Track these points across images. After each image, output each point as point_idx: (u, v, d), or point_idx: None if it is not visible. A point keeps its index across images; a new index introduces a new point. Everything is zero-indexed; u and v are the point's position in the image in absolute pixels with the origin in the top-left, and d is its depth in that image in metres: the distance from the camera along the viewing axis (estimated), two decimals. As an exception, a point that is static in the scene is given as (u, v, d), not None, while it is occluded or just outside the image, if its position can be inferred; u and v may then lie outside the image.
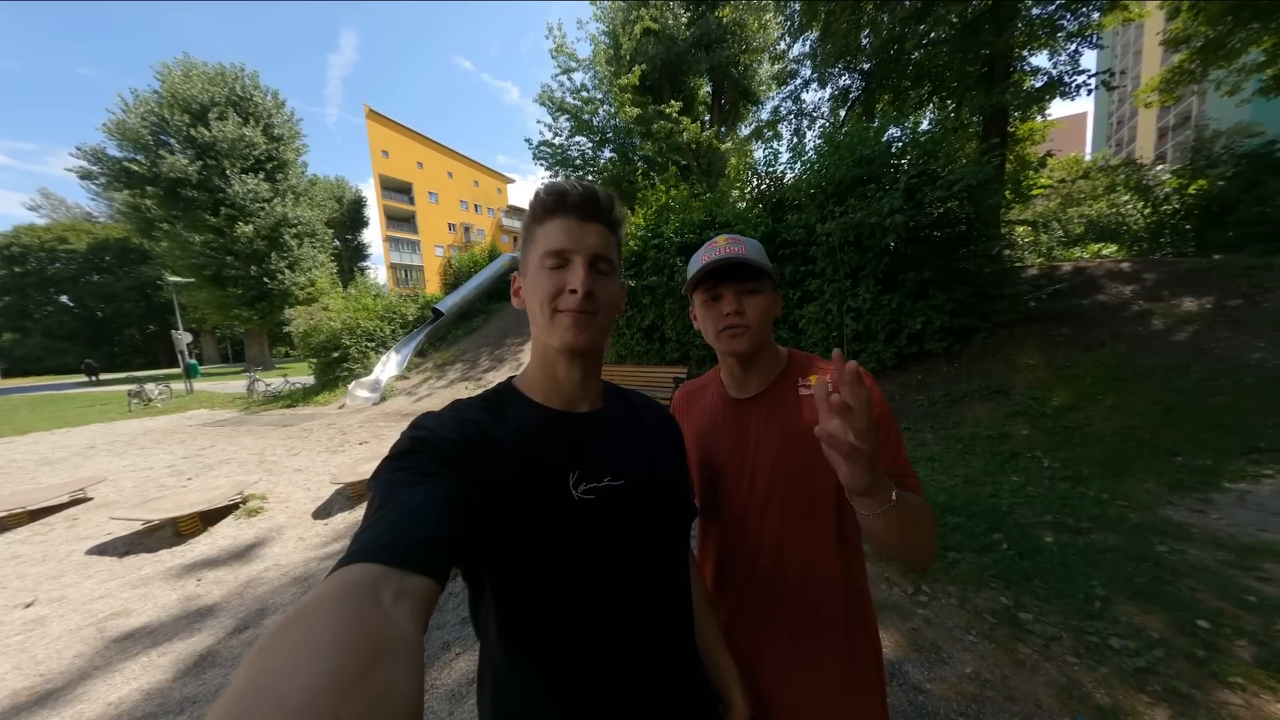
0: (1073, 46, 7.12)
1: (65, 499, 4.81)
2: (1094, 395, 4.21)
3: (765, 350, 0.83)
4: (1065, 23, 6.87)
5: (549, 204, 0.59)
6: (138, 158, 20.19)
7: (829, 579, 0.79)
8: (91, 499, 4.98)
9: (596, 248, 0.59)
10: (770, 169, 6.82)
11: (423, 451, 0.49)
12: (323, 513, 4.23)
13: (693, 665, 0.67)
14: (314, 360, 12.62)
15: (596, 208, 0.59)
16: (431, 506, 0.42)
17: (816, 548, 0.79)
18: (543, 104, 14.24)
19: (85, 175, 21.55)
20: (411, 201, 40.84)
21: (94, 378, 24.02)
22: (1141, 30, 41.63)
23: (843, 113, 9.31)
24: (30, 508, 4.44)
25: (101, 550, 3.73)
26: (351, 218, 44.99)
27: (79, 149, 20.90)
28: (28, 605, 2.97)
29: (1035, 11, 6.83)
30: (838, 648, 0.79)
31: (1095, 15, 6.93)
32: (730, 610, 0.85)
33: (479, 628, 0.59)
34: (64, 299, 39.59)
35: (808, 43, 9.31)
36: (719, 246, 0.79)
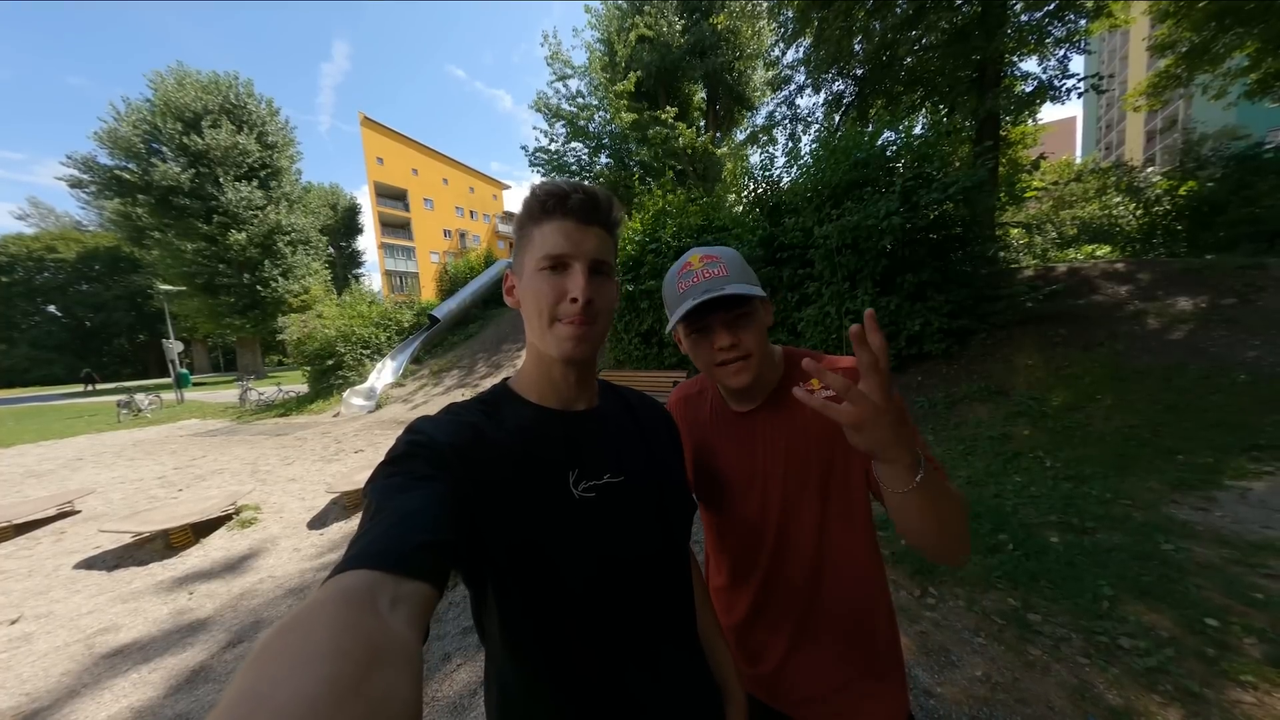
0: (1061, 52, 7.23)
1: (52, 512, 4.71)
2: (1093, 395, 4.23)
3: (763, 364, 0.77)
4: (1053, 29, 6.98)
5: (548, 205, 0.57)
6: (129, 166, 20.07)
7: (848, 579, 0.78)
8: (79, 512, 4.89)
9: (596, 252, 0.58)
10: (766, 173, 6.86)
11: (419, 455, 0.48)
12: (318, 523, 4.16)
13: (699, 661, 0.67)
14: (308, 368, 12.53)
15: (596, 210, 0.58)
16: (428, 511, 0.41)
17: (832, 546, 0.77)
18: (538, 110, 14.31)
19: (76, 184, 21.45)
20: (406, 208, 40.78)
21: (90, 387, 23.69)
22: (1127, 36, 42.45)
23: (837, 117, 9.39)
24: (15, 521, 4.35)
25: (90, 564, 3.65)
26: (346, 225, 44.95)
27: (69, 157, 20.82)
28: (13, 622, 2.90)
29: (1023, 18, 6.94)
30: (861, 647, 0.78)
31: (1082, 22, 7.04)
32: (747, 614, 0.84)
33: (483, 633, 0.58)
34: (52, 309, 39.12)
35: (801, 49, 9.37)
36: (695, 271, 0.70)
